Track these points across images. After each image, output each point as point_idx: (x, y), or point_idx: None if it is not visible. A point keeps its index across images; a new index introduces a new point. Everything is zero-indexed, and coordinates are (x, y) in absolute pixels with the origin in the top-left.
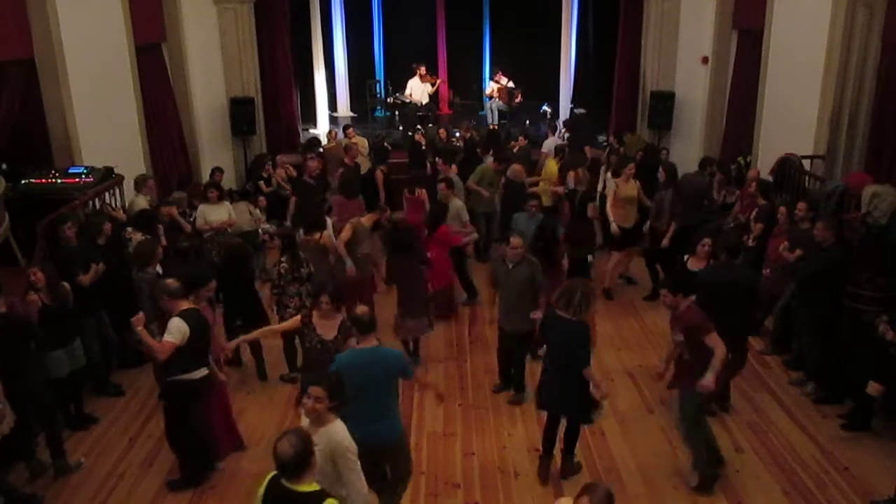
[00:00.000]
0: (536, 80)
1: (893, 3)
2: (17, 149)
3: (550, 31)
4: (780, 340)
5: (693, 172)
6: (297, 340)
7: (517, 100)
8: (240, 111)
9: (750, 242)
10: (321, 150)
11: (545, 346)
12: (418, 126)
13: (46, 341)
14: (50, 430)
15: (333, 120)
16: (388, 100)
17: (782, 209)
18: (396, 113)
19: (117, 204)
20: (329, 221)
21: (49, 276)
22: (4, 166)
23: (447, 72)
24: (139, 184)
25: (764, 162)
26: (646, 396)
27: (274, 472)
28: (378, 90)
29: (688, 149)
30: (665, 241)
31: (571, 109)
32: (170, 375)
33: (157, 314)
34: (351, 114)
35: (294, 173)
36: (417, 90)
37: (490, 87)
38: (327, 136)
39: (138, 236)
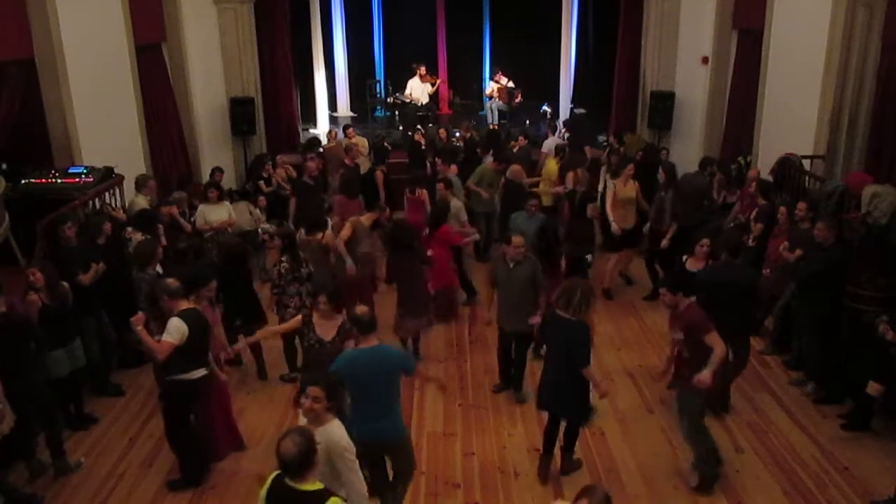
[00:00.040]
0: (536, 80)
1: (893, 3)
2: (17, 149)
3: (550, 31)
4: (780, 340)
5: (693, 172)
6: (297, 340)
7: (517, 100)
8: (240, 111)
9: (750, 242)
10: (321, 150)
11: (545, 345)
12: (418, 126)
13: (46, 341)
14: (50, 429)
15: (333, 120)
16: (388, 100)
17: (782, 209)
18: (396, 113)
19: (117, 204)
20: (329, 221)
21: (49, 276)
22: (4, 166)
23: (447, 72)
24: (140, 184)
25: (764, 162)
26: (646, 396)
27: (277, 472)
28: (378, 90)
29: (688, 149)
30: (665, 242)
31: (571, 109)
32: (169, 375)
33: (157, 314)
34: (351, 114)
35: (294, 173)
36: (417, 90)
37: (490, 87)
38: (327, 136)
39: (138, 236)
